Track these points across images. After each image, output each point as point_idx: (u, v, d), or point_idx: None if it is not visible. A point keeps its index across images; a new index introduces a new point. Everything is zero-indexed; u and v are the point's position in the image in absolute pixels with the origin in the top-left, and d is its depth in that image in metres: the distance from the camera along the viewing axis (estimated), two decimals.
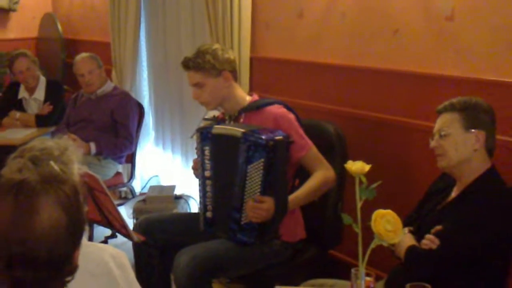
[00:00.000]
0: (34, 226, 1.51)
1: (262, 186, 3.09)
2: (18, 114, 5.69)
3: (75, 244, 1.58)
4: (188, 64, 3.41)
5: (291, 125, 3.30)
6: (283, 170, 3.18)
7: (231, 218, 3.19)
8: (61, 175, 1.64)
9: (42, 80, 5.86)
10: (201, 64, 3.37)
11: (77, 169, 2.17)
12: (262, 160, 3.05)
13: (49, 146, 2.13)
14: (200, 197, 3.37)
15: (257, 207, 3.08)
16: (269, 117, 3.33)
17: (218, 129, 3.29)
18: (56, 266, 1.53)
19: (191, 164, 3.63)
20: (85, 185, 3.16)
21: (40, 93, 5.78)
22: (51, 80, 5.99)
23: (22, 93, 5.83)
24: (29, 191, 1.54)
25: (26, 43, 7.46)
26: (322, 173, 3.30)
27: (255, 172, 3.09)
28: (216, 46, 3.47)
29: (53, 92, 5.78)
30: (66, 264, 1.56)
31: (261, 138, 3.04)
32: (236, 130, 3.15)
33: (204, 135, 3.30)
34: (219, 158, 3.27)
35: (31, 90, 5.81)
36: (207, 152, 3.30)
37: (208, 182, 3.32)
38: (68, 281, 1.59)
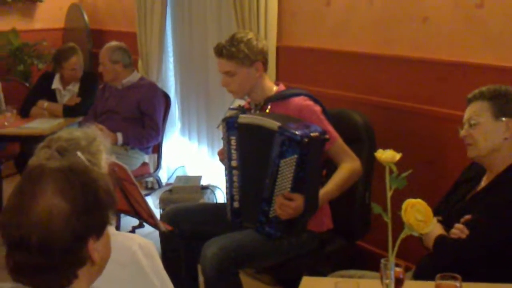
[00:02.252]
0: (29, 211, 1.51)
1: (292, 182, 3.06)
2: (45, 104, 5.69)
3: (78, 235, 1.55)
4: (221, 52, 3.37)
5: (316, 117, 3.27)
6: (316, 167, 3.15)
7: (260, 210, 3.17)
8: (82, 168, 1.63)
9: None
10: (235, 53, 3.33)
11: (105, 159, 2.18)
12: (295, 156, 3.02)
13: (76, 136, 2.13)
14: (226, 187, 3.36)
15: (285, 204, 3.06)
16: (294, 108, 3.30)
17: (245, 118, 3.27)
18: (51, 254, 1.52)
19: (217, 154, 3.62)
20: (114, 175, 3.19)
21: (75, 85, 5.76)
22: (88, 72, 5.97)
23: (56, 84, 5.82)
24: (35, 178, 1.55)
25: (52, 34, 7.50)
26: (349, 166, 3.27)
27: (287, 168, 3.06)
28: (251, 35, 3.42)
29: (88, 84, 5.77)
30: (66, 254, 1.54)
31: (296, 134, 2.99)
32: (272, 123, 3.10)
33: (230, 125, 3.28)
34: (247, 148, 3.25)
35: (66, 82, 5.81)
36: (233, 142, 3.28)
37: (235, 172, 3.30)
38: (71, 272, 1.57)
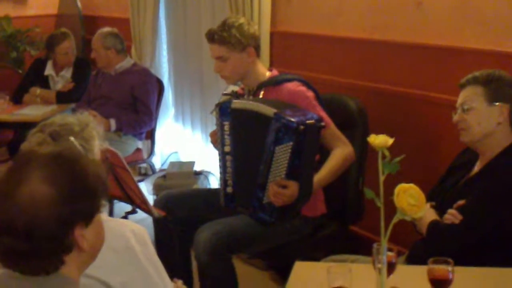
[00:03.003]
0: (15, 196, 1.51)
1: (287, 169, 3.06)
2: (38, 91, 5.69)
3: (63, 222, 1.53)
4: (213, 37, 3.37)
5: (309, 102, 3.27)
6: (311, 155, 3.15)
7: (253, 195, 3.17)
8: (73, 153, 1.62)
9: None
10: (226, 38, 3.33)
11: (98, 145, 2.17)
12: (291, 143, 3.01)
13: (69, 121, 2.13)
14: (220, 173, 3.36)
15: (280, 192, 3.06)
16: (286, 94, 3.30)
17: (238, 103, 3.26)
18: (36, 240, 1.51)
19: (209, 135, 3.61)
20: (107, 161, 3.18)
21: (68, 70, 5.76)
22: (80, 58, 5.97)
23: (49, 71, 5.81)
24: (23, 163, 1.55)
25: (45, 20, 7.45)
26: (342, 151, 3.27)
27: (282, 154, 3.05)
28: (242, 20, 3.42)
29: (81, 70, 5.77)
30: (51, 240, 1.53)
31: (292, 121, 2.99)
32: (267, 109, 3.09)
33: (223, 110, 3.28)
34: (240, 133, 3.25)
35: (59, 68, 5.80)
36: (226, 127, 3.28)
37: (228, 157, 3.30)
38: (56, 259, 1.57)
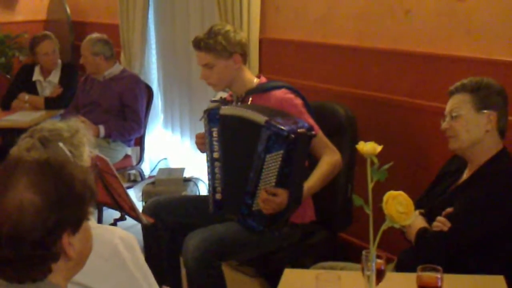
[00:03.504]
0: (1, 202, 1.50)
1: (277, 177, 3.06)
2: (27, 97, 5.68)
3: (50, 230, 1.52)
4: (199, 44, 3.38)
5: (297, 110, 3.27)
6: (301, 163, 3.16)
7: (243, 202, 3.17)
8: (61, 160, 1.61)
9: (59, 63, 5.85)
10: (212, 45, 3.34)
11: (87, 152, 2.17)
12: (281, 152, 3.01)
13: (59, 127, 2.12)
14: (209, 179, 3.35)
15: (269, 199, 3.06)
16: (275, 101, 3.29)
17: (227, 110, 3.26)
18: (20, 247, 1.50)
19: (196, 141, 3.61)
20: (96, 169, 3.17)
21: (55, 76, 5.77)
22: (67, 63, 5.97)
23: (37, 76, 5.81)
24: (9, 170, 1.54)
25: (34, 26, 7.43)
26: (330, 159, 3.27)
27: (272, 163, 3.05)
28: (229, 27, 3.44)
29: (68, 75, 5.77)
30: (37, 248, 1.51)
31: (283, 130, 2.98)
32: (258, 116, 3.09)
33: (212, 116, 3.28)
34: (229, 139, 3.24)
35: (46, 73, 5.80)
36: (215, 134, 3.28)
37: (216, 163, 3.30)
38: (42, 269, 1.55)
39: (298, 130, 3.02)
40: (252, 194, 3.13)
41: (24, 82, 5.81)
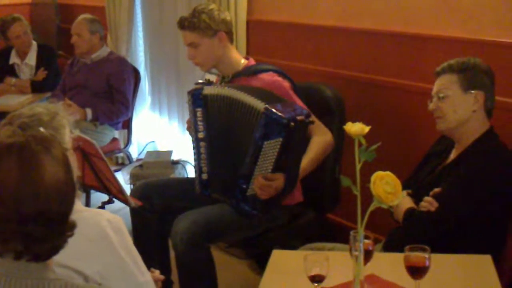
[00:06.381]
0: (43, 180, 1.53)
1: (274, 164, 3.04)
2: (13, 80, 5.66)
3: (74, 199, 1.61)
4: (183, 24, 3.38)
5: (285, 93, 3.26)
6: (299, 149, 3.14)
7: (237, 187, 3.15)
8: (50, 137, 1.65)
9: (34, 44, 5.84)
10: (196, 23, 3.34)
11: (68, 134, 2.15)
12: (280, 139, 2.98)
13: (38, 112, 2.10)
14: (194, 160, 3.34)
15: (266, 184, 3.05)
16: (262, 85, 3.28)
17: (209, 89, 3.24)
18: (64, 220, 1.57)
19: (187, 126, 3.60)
20: (79, 149, 3.16)
21: (31, 58, 5.77)
22: (42, 45, 5.95)
23: (14, 59, 5.82)
24: (32, 151, 1.56)
25: (20, 8, 7.36)
26: (321, 139, 3.27)
27: (270, 150, 3.02)
28: (212, 6, 3.44)
29: (45, 57, 5.76)
30: (69, 219, 1.59)
31: (283, 117, 2.94)
32: (256, 101, 3.05)
33: (195, 97, 3.26)
34: (217, 119, 3.22)
35: (23, 55, 5.79)
36: (199, 114, 3.26)
37: (202, 144, 3.28)
38: (70, 236, 1.61)
39: (298, 118, 2.99)
40: (247, 179, 3.10)
41: (3, 66, 5.79)
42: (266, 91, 3.19)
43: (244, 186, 3.12)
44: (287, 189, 3.12)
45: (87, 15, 5.22)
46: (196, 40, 3.37)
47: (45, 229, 1.53)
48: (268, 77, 3.32)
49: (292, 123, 2.95)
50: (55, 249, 1.59)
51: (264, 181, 3.03)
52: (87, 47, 5.13)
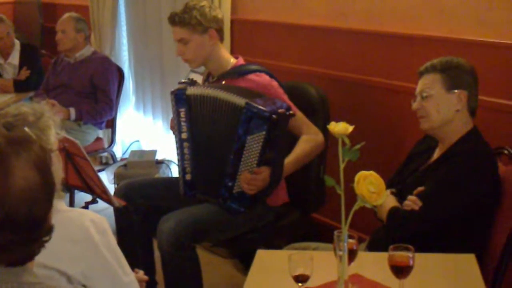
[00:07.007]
0: (10, 187, 1.46)
1: (259, 158, 3.05)
2: None
3: (50, 203, 1.54)
4: (174, 19, 3.36)
5: (276, 92, 3.27)
6: (282, 142, 3.15)
7: (223, 185, 3.15)
8: (28, 139, 1.59)
9: (17, 44, 5.82)
10: (187, 19, 3.32)
11: (54, 134, 2.13)
12: (263, 133, 3.00)
13: (23, 111, 2.08)
14: (178, 160, 3.33)
15: (253, 178, 3.05)
16: (252, 86, 3.27)
17: (193, 90, 3.23)
18: (35, 226, 1.50)
19: (171, 126, 3.59)
20: (64, 150, 3.14)
21: (15, 57, 5.75)
22: (26, 44, 5.93)
23: None
24: (1, 153, 1.49)
25: (3, 7, 7.33)
26: (310, 138, 3.28)
27: (254, 144, 3.04)
28: (204, 3, 3.41)
29: (28, 56, 5.74)
30: (44, 224, 1.52)
31: (265, 111, 2.97)
32: (237, 98, 3.07)
33: (178, 97, 3.25)
34: (199, 119, 3.22)
35: (6, 55, 5.76)
36: (182, 114, 3.25)
37: (185, 144, 3.28)
38: (46, 241, 1.55)
39: (279, 111, 3.01)
40: (232, 177, 3.11)
41: None
42: (246, 89, 3.19)
43: (230, 184, 3.12)
44: (272, 184, 3.12)
45: (74, 14, 5.21)
46: (186, 36, 3.35)
47: (12, 236, 1.47)
48: (257, 78, 3.32)
49: (275, 116, 2.96)
50: (29, 255, 1.54)
51: (249, 175, 3.04)
52: (71, 44, 5.12)
